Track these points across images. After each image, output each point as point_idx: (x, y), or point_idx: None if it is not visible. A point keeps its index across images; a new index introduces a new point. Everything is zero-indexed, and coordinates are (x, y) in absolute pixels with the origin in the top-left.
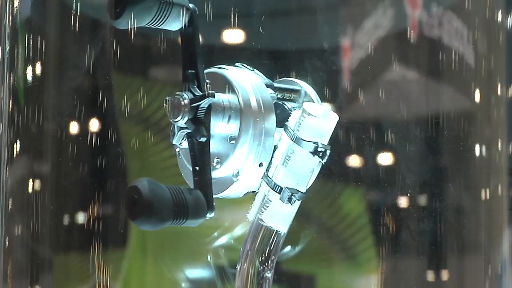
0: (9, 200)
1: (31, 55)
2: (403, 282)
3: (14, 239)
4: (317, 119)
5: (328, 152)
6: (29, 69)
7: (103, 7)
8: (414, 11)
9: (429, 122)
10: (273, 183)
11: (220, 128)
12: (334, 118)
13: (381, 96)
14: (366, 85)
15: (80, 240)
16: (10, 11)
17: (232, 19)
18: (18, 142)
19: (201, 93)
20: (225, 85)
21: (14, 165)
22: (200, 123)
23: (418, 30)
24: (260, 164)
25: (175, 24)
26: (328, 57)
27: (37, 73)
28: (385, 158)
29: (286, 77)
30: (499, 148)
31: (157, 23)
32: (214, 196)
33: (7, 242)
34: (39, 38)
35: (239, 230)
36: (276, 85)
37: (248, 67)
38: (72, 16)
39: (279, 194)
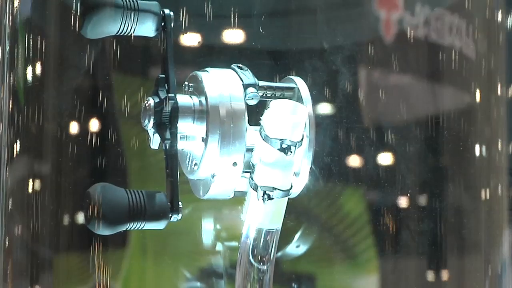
0: (9, 200)
1: (31, 55)
2: (403, 282)
3: (14, 239)
4: (282, 115)
5: (293, 148)
6: (29, 69)
7: None
8: (390, 13)
9: (429, 122)
10: (253, 183)
11: (193, 130)
12: (301, 112)
13: (381, 96)
14: (366, 85)
15: (80, 240)
16: (10, 11)
17: (232, 19)
18: (18, 142)
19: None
20: (199, 87)
21: (14, 165)
22: (164, 127)
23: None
24: (234, 164)
25: (149, 30)
26: (328, 57)
27: (37, 73)
28: (385, 158)
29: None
30: (499, 148)
31: (128, 30)
32: (205, 197)
33: (7, 242)
34: (39, 38)
35: (237, 229)
36: (262, 83)
37: (243, 67)
38: (72, 16)
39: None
